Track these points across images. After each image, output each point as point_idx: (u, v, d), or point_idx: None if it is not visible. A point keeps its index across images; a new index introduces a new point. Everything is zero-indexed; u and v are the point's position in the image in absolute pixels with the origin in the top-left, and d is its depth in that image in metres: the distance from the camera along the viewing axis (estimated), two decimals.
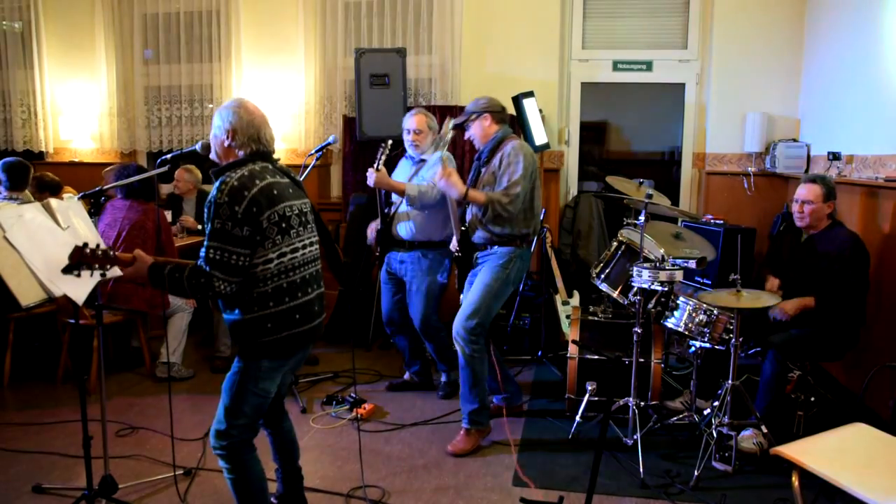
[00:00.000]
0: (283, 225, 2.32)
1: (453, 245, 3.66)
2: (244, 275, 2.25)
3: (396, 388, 4.30)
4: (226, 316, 2.38)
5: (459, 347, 3.42)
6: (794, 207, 3.57)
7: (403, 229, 3.93)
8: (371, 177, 3.75)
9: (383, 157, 3.78)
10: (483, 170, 3.52)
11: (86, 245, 2.25)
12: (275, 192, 2.30)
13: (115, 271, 2.43)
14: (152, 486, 3.09)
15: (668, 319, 3.46)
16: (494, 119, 3.53)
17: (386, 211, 4.00)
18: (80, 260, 2.24)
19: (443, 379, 4.22)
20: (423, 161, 3.95)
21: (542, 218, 3.70)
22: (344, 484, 3.11)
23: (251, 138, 2.35)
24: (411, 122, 3.91)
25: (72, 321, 2.97)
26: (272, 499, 2.78)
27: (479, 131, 3.54)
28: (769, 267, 3.88)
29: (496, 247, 3.47)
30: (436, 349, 4.08)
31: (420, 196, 3.76)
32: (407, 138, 3.93)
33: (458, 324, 3.41)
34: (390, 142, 3.86)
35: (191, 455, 3.37)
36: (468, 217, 3.54)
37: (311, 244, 2.49)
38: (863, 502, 2.05)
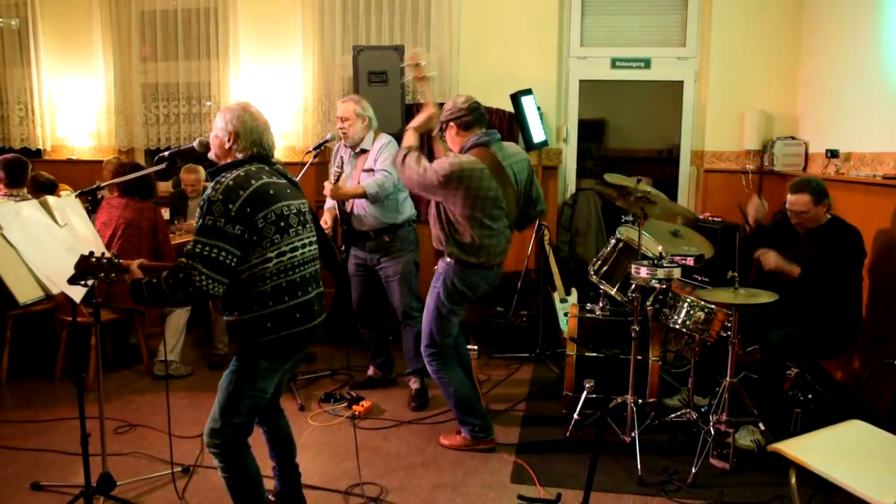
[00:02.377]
0: (282, 224, 2.32)
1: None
2: (229, 275, 2.22)
3: (361, 385, 4.26)
4: (226, 317, 2.38)
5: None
6: (790, 214, 3.59)
7: (364, 222, 3.93)
8: (328, 189, 3.80)
9: (339, 173, 3.85)
10: None
11: (91, 254, 2.27)
12: (271, 191, 2.30)
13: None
14: (150, 484, 3.09)
15: (667, 317, 3.46)
16: (462, 127, 3.20)
17: (343, 207, 3.99)
18: (85, 269, 2.26)
19: (413, 385, 4.06)
20: (364, 151, 3.93)
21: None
22: (342, 481, 3.11)
23: (253, 143, 2.37)
24: (340, 109, 3.92)
25: (69, 319, 2.97)
26: (270, 496, 2.79)
27: (451, 145, 3.29)
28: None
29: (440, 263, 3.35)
30: (415, 337, 3.90)
31: (381, 189, 3.76)
32: (337, 126, 3.94)
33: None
34: (342, 157, 3.92)
35: (189, 452, 3.36)
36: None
37: (311, 243, 2.49)
38: (860, 499, 2.05)
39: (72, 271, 2.36)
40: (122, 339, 4.83)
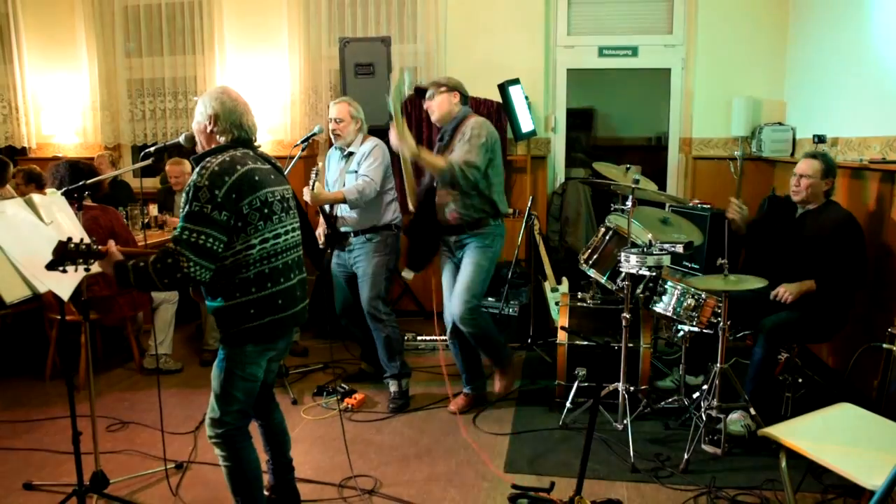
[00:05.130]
0: (266, 211, 2.31)
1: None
2: (216, 261, 2.22)
3: (353, 378, 4.27)
4: (209, 303, 2.36)
5: (467, 330, 3.63)
6: (792, 181, 3.58)
7: (347, 221, 3.94)
8: (308, 196, 3.78)
9: (316, 179, 3.83)
10: (445, 152, 3.60)
11: (69, 240, 2.22)
12: (256, 178, 2.29)
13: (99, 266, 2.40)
14: (144, 481, 3.08)
15: (657, 304, 3.47)
16: (462, 99, 3.65)
17: (327, 210, 3.98)
18: (63, 255, 2.21)
19: (391, 388, 3.97)
20: (351, 153, 3.94)
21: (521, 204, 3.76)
22: (336, 474, 3.12)
23: (233, 124, 2.35)
24: (334, 110, 3.91)
25: (58, 317, 2.95)
26: (265, 490, 2.78)
27: (445, 107, 3.62)
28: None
29: (481, 226, 3.62)
30: (385, 341, 3.93)
31: (360, 196, 3.77)
32: (330, 127, 3.93)
33: (461, 308, 3.58)
34: (320, 164, 3.88)
35: (182, 449, 3.36)
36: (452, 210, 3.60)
37: (294, 230, 2.49)
38: (849, 480, 2.07)
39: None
40: (115, 333, 4.80)
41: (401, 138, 3.38)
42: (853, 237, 3.42)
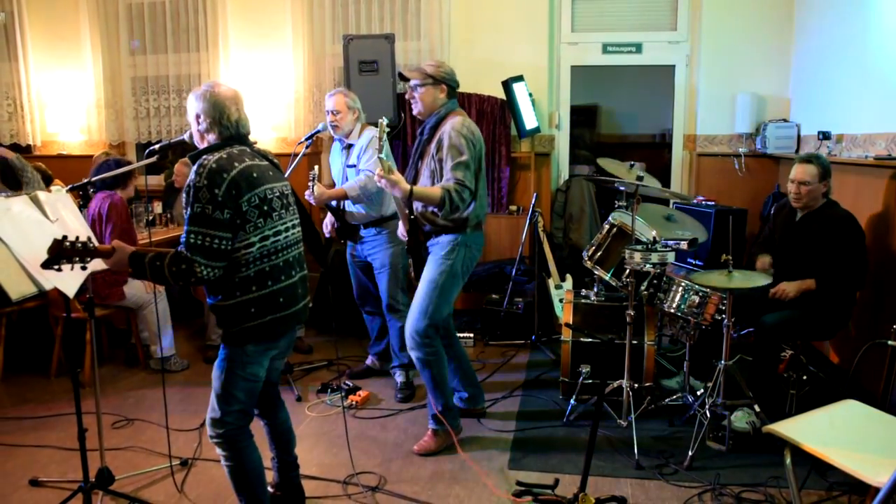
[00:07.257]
0: (265, 208, 2.31)
1: (401, 232, 3.36)
2: (227, 259, 2.23)
3: (357, 375, 4.28)
4: (210, 301, 2.36)
5: (413, 352, 3.25)
6: (790, 188, 3.56)
7: (355, 216, 3.96)
8: (310, 198, 3.79)
9: (314, 182, 3.80)
10: (425, 149, 3.28)
11: (65, 238, 2.21)
12: (254, 174, 2.29)
13: (97, 264, 2.39)
14: (149, 478, 3.09)
15: (661, 301, 3.47)
16: (449, 93, 3.27)
17: (334, 205, 4.00)
18: (58, 253, 2.20)
19: (398, 378, 4.04)
20: (350, 145, 3.94)
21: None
22: (341, 471, 3.12)
23: (214, 121, 2.32)
24: (330, 102, 3.90)
25: (64, 314, 2.96)
26: (269, 488, 2.79)
27: (429, 100, 3.25)
28: (760, 246, 3.89)
29: (441, 235, 3.22)
30: (400, 330, 3.91)
31: (362, 191, 3.79)
32: (327, 119, 3.93)
33: (409, 327, 3.23)
34: (317, 167, 3.90)
35: (187, 445, 3.37)
36: (417, 207, 3.23)
37: (294, 226, 2.48)
38: (854, 477, 2.07)
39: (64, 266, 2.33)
40: (123, 337, 4.80)
41: (391, 184, 2.99)
42: (853, 238, 3.41)
